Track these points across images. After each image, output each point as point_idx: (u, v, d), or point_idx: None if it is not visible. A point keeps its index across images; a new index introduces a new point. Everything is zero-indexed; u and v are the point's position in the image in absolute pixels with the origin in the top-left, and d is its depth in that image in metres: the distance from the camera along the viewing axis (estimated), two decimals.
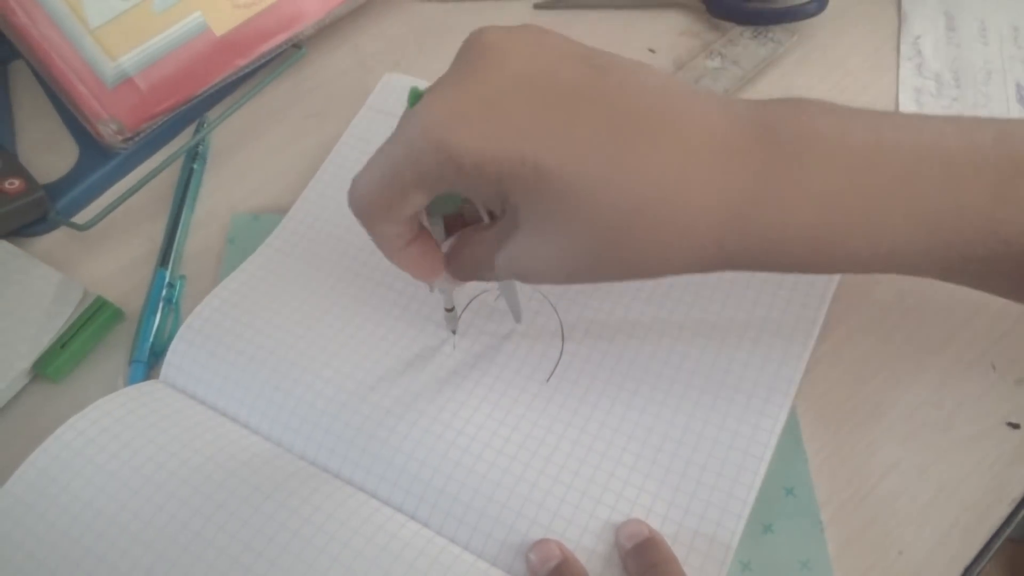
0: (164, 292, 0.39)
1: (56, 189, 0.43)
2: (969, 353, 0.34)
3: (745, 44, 0.45)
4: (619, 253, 0.25)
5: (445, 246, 0.30)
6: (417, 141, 0.24)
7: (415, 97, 0.26)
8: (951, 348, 0.35)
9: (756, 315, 0.34)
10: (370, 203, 0.26)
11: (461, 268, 0.29)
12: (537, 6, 0.50)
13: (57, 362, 0.37)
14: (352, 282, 0.38)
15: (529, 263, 0.26)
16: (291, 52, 0.46)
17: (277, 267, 0.39)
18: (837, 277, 0.35)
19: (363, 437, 0.33)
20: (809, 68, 0.45)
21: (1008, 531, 0.30)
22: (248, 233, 0.41)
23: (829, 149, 0.24)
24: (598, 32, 0.48)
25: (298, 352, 0.35)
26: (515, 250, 0.26)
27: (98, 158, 0.44)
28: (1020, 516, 0.31)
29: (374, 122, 0.43)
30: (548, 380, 0.34)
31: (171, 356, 0.37)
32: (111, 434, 0.33)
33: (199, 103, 0.44)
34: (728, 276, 0.35)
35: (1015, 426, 0.32)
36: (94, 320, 0.38)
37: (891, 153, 0.24)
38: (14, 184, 0.40)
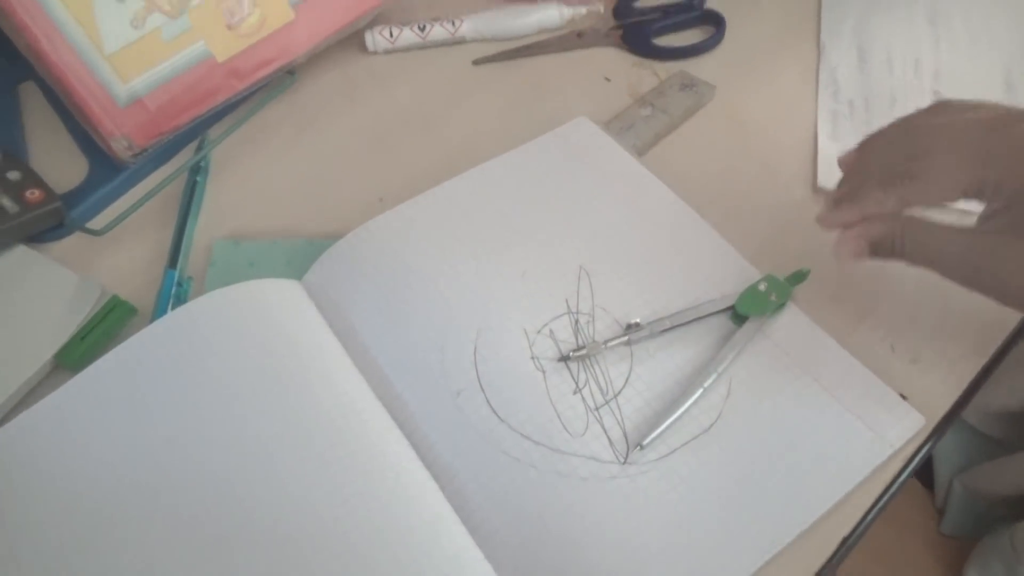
0: (174, 290, 0.43)
1: (70, 198, 0.47)
2: (873, 336, 0.41)
3: (673, 95, 0.51)
4: None
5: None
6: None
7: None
8: (859, 331, 0.41)
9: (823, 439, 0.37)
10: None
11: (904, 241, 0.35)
12: (476, 62, 0.55)
13: (77, 353, 0.41)
14: (488, 257, 0.43)
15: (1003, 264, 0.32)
16: (285, 78, 0.51)
17: (433, 218, 0.45)
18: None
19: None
20: (740, 93, 0.52)
21: (903, 475, 0.37)
22: (230, 257, 0.44)
23: None
24: (545, 73, 0.54)
25: (444, 306, 0.41)
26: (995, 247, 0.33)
27: (108, 171, 0.49)
28: (913, 463, 0.37)
29: (553, 149, 0.48)
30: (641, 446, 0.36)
31: (320, 263, 0.43)
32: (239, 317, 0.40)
33: (201, 121, 0.49)
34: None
35: (904, 397, 0.38)
36: (110, 316, 0.42)
37: None
38: (35, 194, 0.45)
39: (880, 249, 0.35)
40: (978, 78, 0.51)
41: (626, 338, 0.39)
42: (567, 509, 0.35)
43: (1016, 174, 0.32)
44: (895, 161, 0.36)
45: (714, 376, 0.38)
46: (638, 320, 0.40)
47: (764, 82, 0.53)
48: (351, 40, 0.54)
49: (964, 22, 0.54)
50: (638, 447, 0.36)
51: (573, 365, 0.39)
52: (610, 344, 0.39)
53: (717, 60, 0.54)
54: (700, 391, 0.38)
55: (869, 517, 0.36)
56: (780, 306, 0.40)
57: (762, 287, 0.41)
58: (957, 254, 0.33)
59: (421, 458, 0.36)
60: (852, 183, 0.38)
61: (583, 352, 0.39)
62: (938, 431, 0.38)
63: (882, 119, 0.49)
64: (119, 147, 0.47)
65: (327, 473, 0.35)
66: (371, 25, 0.54)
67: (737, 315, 0.40)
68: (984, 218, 0.34)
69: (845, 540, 0.35)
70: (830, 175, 0.46)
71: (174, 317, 0.40)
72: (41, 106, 0.52)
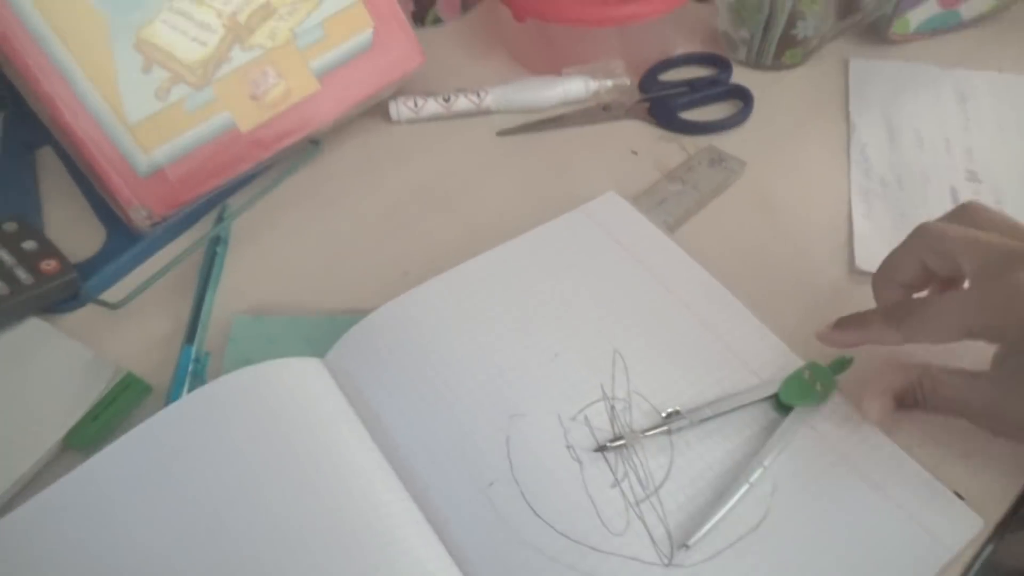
0: (191, 367, 0.41)
1: (85, 268, 0.46)
2: (920, 428, 0.39)
3: (702, 171, 0.50)
4: None
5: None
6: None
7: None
8: (906, 423, 0.39)
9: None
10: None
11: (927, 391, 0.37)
12: (500, 133, 0.54)
13: (88, 435, 0.39)
14: (519, 338, 0.41)
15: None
16: (309, 147, 0.51)
17: (460, 297, 0.43)
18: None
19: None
20: (770, 170, 0.51)
21: None
22: (250, 333, 0.43)
23: None
24: (571, 146, 0.54)
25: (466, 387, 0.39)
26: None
27: (125, 240, 0.47)
28: (973, 570, 0.35)
29: (583, 226, 0.47)
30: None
31: (343, 343, 0.41)
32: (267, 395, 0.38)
33: (222, 190, 0.48)
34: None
35: (960, 496, 0.36)
36: (123, 395, 0.40)
37: None
38: (50, 265, 0.43)
39: (904, 402, 0.37)
40: (1009, 157, 0.51)
41: (666, 428, 0.38)
42: None
43: (1012, 323, 0.33)
44: (910, 276, 0.37)
45: (760, 471, 0.36)
46: (678, 408, 0.38)
47: (794, 158, 0.52)
48: (375, 110, 0.54)
49: (993, 104, 0.54)
50: (683, 547, 0.34)
51: (610, 456, 0.37)
52: (649, 434, 0.38)
53: (745, 135, 0.54)
54: (746, 486, 0.36)
55: None
56: (825, 396, 0.39)
57: (806, 375, 0.39)
58: (980, 406, 0.35)
59: (450, 552, 0.34)
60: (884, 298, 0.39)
61: (621, 443, 0.37)
62: (997, 534, 0.36)
63: (915, 198, 0.49)
64: (138, 217, 0.46)
65: (348, 565, 0.33)
66: (395, 95, 0.54)
67: (780, 404, 0.39)
68: (997, 360, 0.35)
69: None
70: (868, 256, 0.45)
71: (193, 400, 0.38)
72: (58, 171, 0.51)
